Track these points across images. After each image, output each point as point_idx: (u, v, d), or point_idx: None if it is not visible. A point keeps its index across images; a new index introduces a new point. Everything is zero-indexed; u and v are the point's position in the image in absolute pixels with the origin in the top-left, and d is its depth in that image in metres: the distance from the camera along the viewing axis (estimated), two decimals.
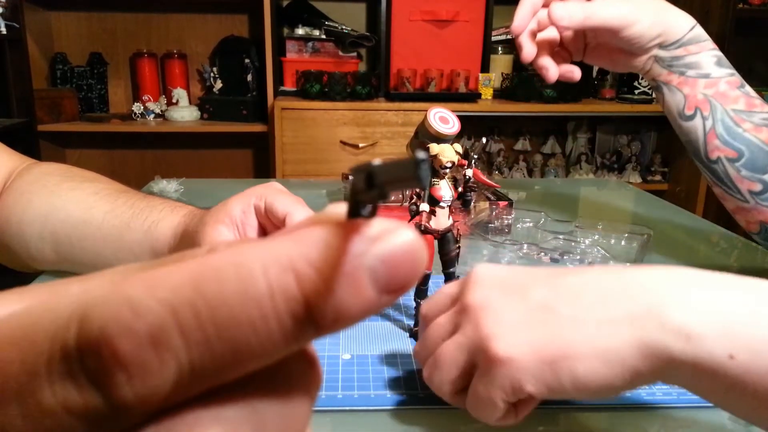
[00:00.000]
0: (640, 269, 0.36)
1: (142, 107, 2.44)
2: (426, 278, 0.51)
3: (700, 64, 0.67)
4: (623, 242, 0.74)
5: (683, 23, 0.68)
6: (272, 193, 0.49)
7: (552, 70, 0.69)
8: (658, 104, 0.75)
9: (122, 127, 2.35)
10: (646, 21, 0.66)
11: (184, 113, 2.42)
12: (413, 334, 0.52)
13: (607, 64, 0.73)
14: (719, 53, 0.68)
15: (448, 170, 0.48)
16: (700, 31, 0.68)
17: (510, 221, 0.81)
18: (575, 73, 0.70)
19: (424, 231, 0.50)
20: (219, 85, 2.48)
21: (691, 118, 0.67)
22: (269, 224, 0.50)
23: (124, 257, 0.57)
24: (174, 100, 2.47)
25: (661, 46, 0.68)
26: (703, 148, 0.66)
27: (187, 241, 0.53)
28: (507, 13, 2.57)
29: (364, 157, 2.18)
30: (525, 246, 0.70)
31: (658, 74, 0.70)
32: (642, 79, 2.43)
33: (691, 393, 0.33)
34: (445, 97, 2.32)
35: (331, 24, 2.42)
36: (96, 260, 0.59)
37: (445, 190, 0.49)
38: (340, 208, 0.15)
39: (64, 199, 0.59)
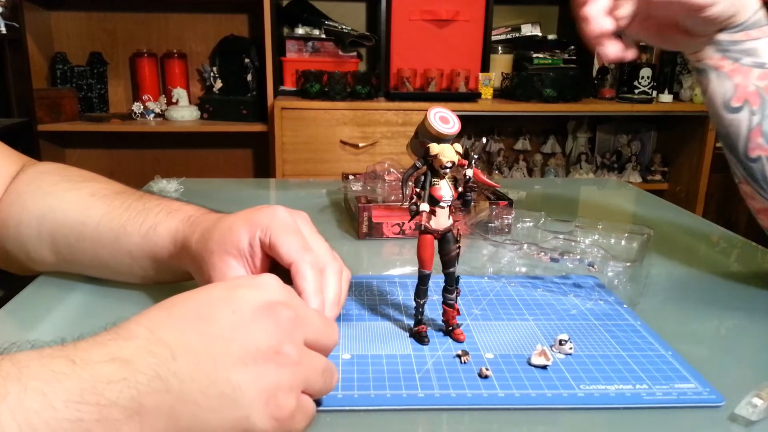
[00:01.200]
0: None
1: (142, 107, 2.44)
2: (426, 278, 0.51)
3: (758, 52, 0.61)
4: (623, 242, 0.74)
5: (752, 3, 0.61)
6: (277, 231, 0.47)
7: (612, 49, 0.59)
8: (699, 91, 0.67)
9: (122, 127, 2.35)
10: (727, 0, 0.59)
11: (184, 113, 2.42)
12: (413, 335, 0.52)
13: (653, 39, 0.65)
14: None
15: (448, 170, 0.48)
16: (762, 13, 0.62)
17: (510, 221, 0.81)
18: (629, 53, 0.61)
19: (424, 231, 0.50)
20: (219, 84, 2.48)
21: (738, 110, 0.62)
22: (275, 257, 0.48)
23: (122, 260, 0.57)
24: (174, 100, 2.47)
25: (724, 28, 0.61)
26: (743, 144, 0.62)
27: (188, 254, 0.52)
28: (507, 13, 2.57)
29: (364, 156, 2.18)
30: (525, 246, 0.70)
31: (708, 57, 0.63)
32: (642, 78, 2.43)
33: None
34: (445, 96, 2.32)
35: (331, 24, 2.42)
36: (94, 261, 0.58)
37: (445, 190, 0.49)
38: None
39: (61, 199, 0.58)
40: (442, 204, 0.49)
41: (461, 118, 0.52)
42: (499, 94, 2.46)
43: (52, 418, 0.29)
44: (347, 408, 0.42)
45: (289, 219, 0.49)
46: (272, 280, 0.40)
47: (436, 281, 0.52)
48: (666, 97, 2.46)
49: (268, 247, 0.47)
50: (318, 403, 0.41)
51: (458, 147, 0.48)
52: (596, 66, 2.59)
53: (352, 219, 0.86)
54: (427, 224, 0.49)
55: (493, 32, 2.48)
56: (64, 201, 0.58)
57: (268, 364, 0.35)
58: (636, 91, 2.43)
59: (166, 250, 0.54)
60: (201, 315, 0.36)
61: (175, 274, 0.56)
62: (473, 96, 2.33)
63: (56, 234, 0.58)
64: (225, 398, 0.34)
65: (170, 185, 1.02)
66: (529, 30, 2.57)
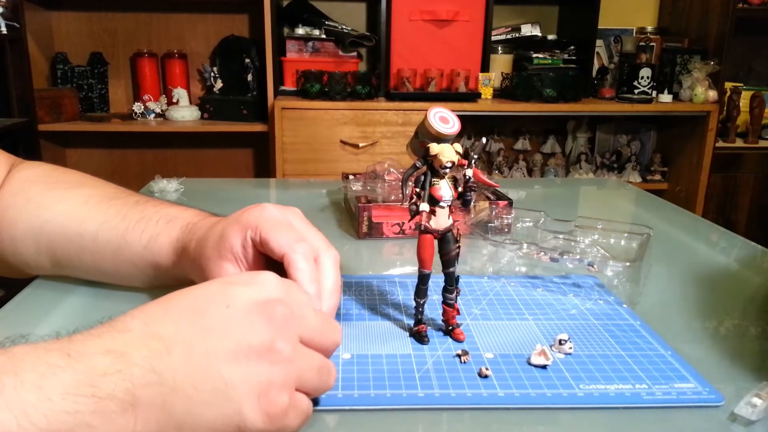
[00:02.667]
0: None
1: (142, 107, 2.44)
2: (426, 278, 0.51)
3: None
4: (623, 242, 0.74)
5: None
6: (266, 228, 0.47)
7: None
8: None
9: (123, 127, 2.35)
10: None
11: (185, 113, 2.42)
12: (413, 334, 0.52)
13: None
14: None
15: (448, 170, 0.48)
16: None
17: (510, 221, 0.81)
18: None
19: (424, 231, 0.50)
20: (219, 84, 2.48)
21: None
22: (268, 253, 0.48)
23: (125, 269, 0.57)
24: (174, 100, 2.47)
25: None
26: None
27: (189, 263, 0.52)
28: (507, 13, 2.58)
29: (364, 156, 2.18)
30: (525, 246, 0.70)
31: None
32: (641, 78, 2.43)
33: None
34: (445, 96, 2.32)
35: (331, 24, 2.42)
36: (95, 271, 0.58)
37: (445, 190, 0.49)
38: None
39: (53, 211, 0.57)
40: (442, 204, 0.49)
41: (461, 118, 0.52)
42: (499, 94, 2.46)
43: (49, 410, 0.29)
44: (347, 408, 0.42)
45: (278, 214, 0.49)
46: (270, 277, 0.40)
47: (436, 281, 0.52)
48: (666, 97, 2.46)
49: (260, 245, 0.47)
50: (315, 402, 0.41)
51: (458, 147, 0.49)
52: (596, 66, 2.59)
53: (352, 219, 0.87)
54: (427, 224, 0.49)
55: (493, 32, 2.48)
56: (58, 213, 0.57)
57: (261, 360, 0.35)
58: (636, 91, 2.44)
59: (169, 260, 0.54)
60: (196, 309, 0.36)
61: (178, 279, 0.56)
62: (473, 96, 2.33)
63: (54, 248, 0.57)
64: (217, 393, 0.34)
65: (170, 185, 1.02)
66: (529, 30, 2.57)
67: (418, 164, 0.49)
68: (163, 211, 0.56)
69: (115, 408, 0.31)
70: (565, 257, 0.68)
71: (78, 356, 0.31)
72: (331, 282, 0.47)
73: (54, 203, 0.57)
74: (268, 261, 0.49)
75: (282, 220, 0.48)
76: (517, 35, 2.57)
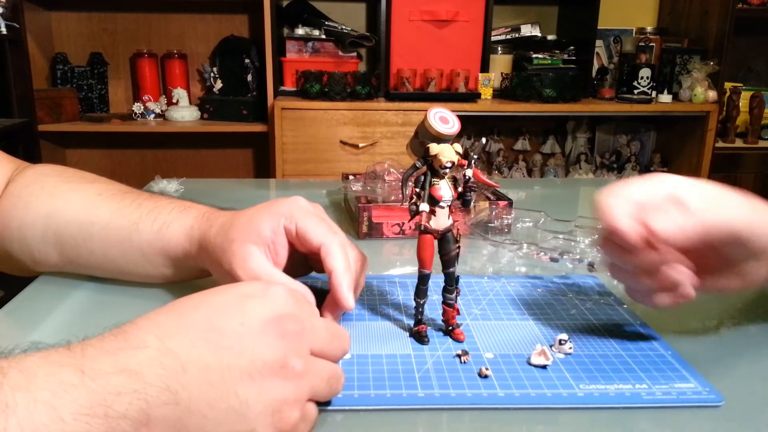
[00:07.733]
0: None
1: (142, 107, 2.44)
2: (426, 278, 0.51)
3: None
4: None
5: None
6: (302, 217, 0.50)
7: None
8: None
9: (122, 127, 2.35)
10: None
11: (185, 113, 2.42)
12: (413, 334, 0.52)
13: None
14: None
15: (448, 170, 0.48)
16: None
17: (510, 221, 0.81)
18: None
19: (424, 231, 0.50)
20: (219, 85, 2.48)
21: None
22: (299, 245, 0.51)
23: (133, 258, 0.57)
24: (174, 100, 2.47)
25: None
26: None
27: (207, 249, 0.52)
28: (507, 13, 2.58)
29: (364, 156, 2.18)
30: (525, 246, 0.70)
31: None
32: (641, 79, 2.43)
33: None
34: (445, 97, 2.32)
35: (331, 24, 2.42)
36: (103, 261, 0.58)
37: (445, 190, 0.49)
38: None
39: (66, 200, 0.58)
40: (441, 204, 0.49)
41: (461, 118, 0.52)
42: (499, 94, 2.46)
43: (60, 430, 0.29)
44: (347, 408, 0.42)
45: (310, 207, 0.52)
46: (281, 291, 0.40)
47: (436, 281, 0.52)
48: (665, 98, 2.46)
49: (295, 233, 0.50)
50: (319, 403, 0.41)
51: (458, 147, 0.49)
52: (595, 66, 2.59)
53: (352, 219, 0.87)
54: (426, 224, 0.49)
55: (493, 32, 2.48)
56: (70, 201, 0.58)
57: (275, 378, 0.36)
58: (635, 91, 2.44)
59: (180, 247, 0.55)
60: (211, 324, 0.36)
61: (188, 271, 0.56)
62: (473, 96, 2.34)
63: (63, 234, 0.57)
64: (232, 412, 0.34)
65: (170, 185, 1.02)
66: (528, 30, 2.57)
67: (418, 164, 0.49)
68: (177, 202, 0.58)
69: (127, 428, 0.31)
70: (565, 257, 0.68)
71: (92, 374, 0.31)
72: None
73: (67, 192, 0.58)
74: (293, 252, 0.51)
75: (315, 212, 0.51)
76: (516, 35, 2.57)
